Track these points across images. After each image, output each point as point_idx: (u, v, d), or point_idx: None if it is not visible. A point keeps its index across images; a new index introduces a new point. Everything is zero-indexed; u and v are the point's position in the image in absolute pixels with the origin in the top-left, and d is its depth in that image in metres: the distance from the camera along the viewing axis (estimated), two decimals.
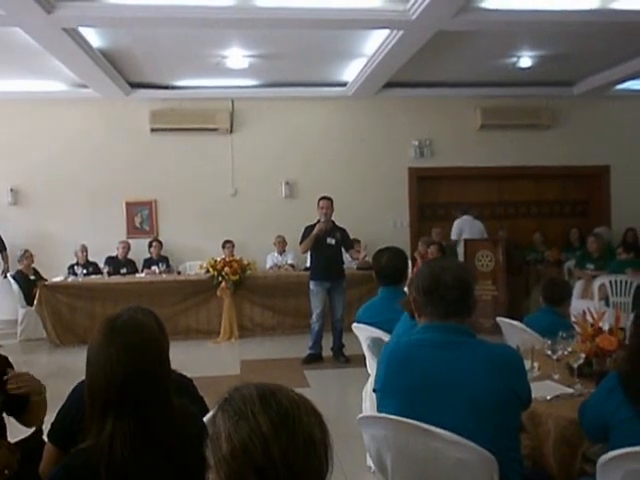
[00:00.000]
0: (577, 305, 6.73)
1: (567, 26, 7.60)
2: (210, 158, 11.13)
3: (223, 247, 10.34)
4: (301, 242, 8.26)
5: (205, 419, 2.20)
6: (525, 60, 9.37)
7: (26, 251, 9.99)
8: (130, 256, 10.61)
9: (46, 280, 9.66)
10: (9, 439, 2.98)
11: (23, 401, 2.86)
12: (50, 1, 6.45)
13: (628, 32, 7.97)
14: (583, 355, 3.47)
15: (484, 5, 6.98)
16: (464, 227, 10.44)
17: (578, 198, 12.40)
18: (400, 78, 10.01)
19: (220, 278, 9.35)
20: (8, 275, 9.90)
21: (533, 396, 2.68)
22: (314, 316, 8.16)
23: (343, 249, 8.31)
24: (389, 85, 10.46)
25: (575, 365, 3.48)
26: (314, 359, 8.11)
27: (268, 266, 10.64)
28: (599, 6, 7.11)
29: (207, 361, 8.01)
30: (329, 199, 8.18)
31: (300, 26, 7.44)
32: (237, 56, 8.82)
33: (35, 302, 9.26)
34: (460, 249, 10.13)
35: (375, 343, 4.42)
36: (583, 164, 11.75)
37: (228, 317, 9.46)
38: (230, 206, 11.14)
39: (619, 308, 8.12)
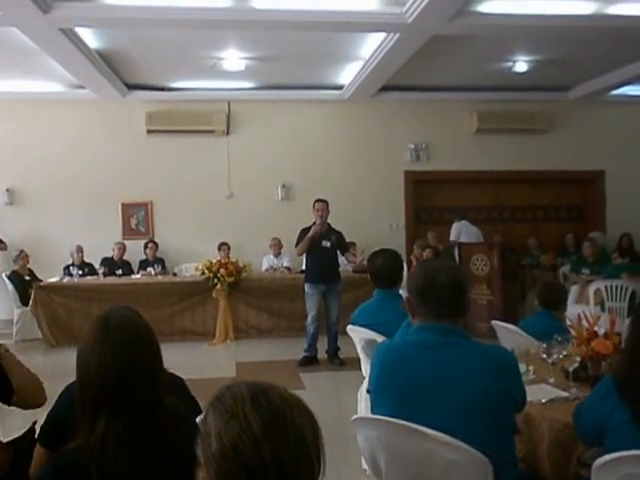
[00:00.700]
0: (572, 310, 6.73)
1: (563, 31, 7.66)
2: (206, 160, 11.15)
3: (219, 249, 10.37)
4: (297, 244, 8.26)
5: (198, 419, 2.25)
6: (521, 65, 9.42)
7: (21, 251, 10.01)
8: (126, 257, 10.63)
9: (41, 281, 9.67)
10: (1, 439, 2.95)
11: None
12: (47, 1, 6.46)
13: (623, 37, 8.03)
14: (578, 359, 3.46)
15: (480, 9, 7.01)
16: (462, 230, 10.51)
17: (573, 203, 12.46)
18: (396, 81, 10.04)
19: (216, 280, 9.34)
20: (3, 275, 9.90)
21: (528, 399, 2.68)
22: (309, 318, 8.17)
23: (339, 252, 8.31)
24: (385, 88, 10.49)
25: (570, 369, 3.44)
26: (309, 361, 8.12)
27: (264, 268, 10.66)
28: (595, 11, 7.16)
29: (202, 363, 8.01)
30: (324, 201, 8.18)
31: (297, 28, 7.46)
32: (234, 58, 8.85)
33: (30, 302, 9.26)
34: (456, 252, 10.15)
35: (370, 345, 4.36)
36: (578, 169, 11.81)
37: (223, 319, 9.47)
38: (226, 208, 11.17)
39: (614, 313, 8.16)
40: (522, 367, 3.22)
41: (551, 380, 3.50)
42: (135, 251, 10.73)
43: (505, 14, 7.09)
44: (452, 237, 10.55)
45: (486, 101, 11.31)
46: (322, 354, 8.26)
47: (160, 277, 10.01)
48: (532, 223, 12.19)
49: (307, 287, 8.21)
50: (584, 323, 3.69)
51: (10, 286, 9.67)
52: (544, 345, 3.66)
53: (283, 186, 11.27)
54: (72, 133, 10.88)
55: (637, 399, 2.44)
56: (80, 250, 10.25)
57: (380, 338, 4.21)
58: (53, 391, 2.94)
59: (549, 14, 7.12)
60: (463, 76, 10.27)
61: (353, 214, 10.57)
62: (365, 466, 4.27)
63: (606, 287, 8.71)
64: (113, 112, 10.86)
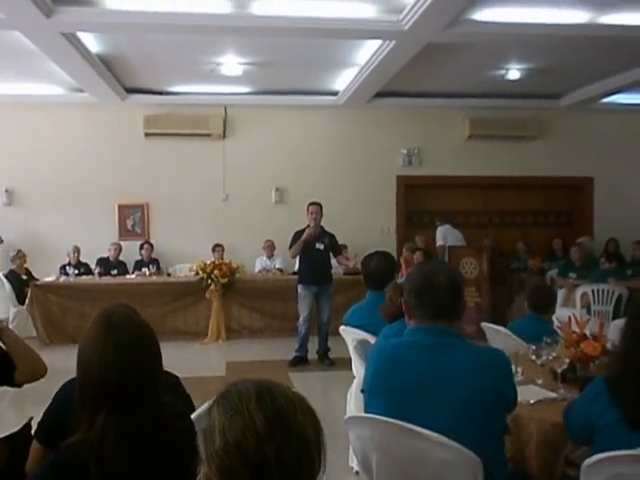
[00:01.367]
0: (560, 313, 6.86)
1: (555, 40, 7.71)
2: (202, 163, 11.23)
3: (213, 250, 10.40)
4: (291, 247, 8.33)
5: (193, 416, 2.29)
6: (513, 72, 9.47)
7: (19, 251, 10.04)
8: (121, 258, 10.68)
9: (38, 280, 9.72)
10: None
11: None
12: (49, 5, 6.50)
13: (614, 47, 8.10)
14: (567, 360, 3.52)
15: (475, 17, 7.05)
16: (447, 234, 10.57)
17: (562, 208, 12.54)
18: (390, 88, 10.11)
19: (209, 280, 9.42)
20: (0, 274, 9.90)
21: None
22: (301, 319, 8.24)
23: (331, 254, 8.39)
24: (379, 94, 10.56)
25: (559, 370, 3.51)
26: (300, 362, 8.20)
27: (257, 270, 10.73)
28: (587, 21, 7.20)
29: (194, 362, 8.01)
30: (318, 204, 8.25)
31: (294, 35, 7.49)
32: (232, 63, 8.90)
33: (27, 301, 9.32)
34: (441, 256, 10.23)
35: (362, 346, 4.42)
36: (568, 175, 11.90)
37: (216, 319, 9.55)
38: (221, 210, 11.24)
39: (603, 315, 8.27)
40: None
41: (539, 381, 3.55)
42: (131, 252, 10.80)
43: (499, 22, 7.13)
44: (440, 241, 10.56)
45: (478, 108, 11.38)
46: (312, 354, 8.32)
47: (155, 277, 10.08)
48: (521, 228, 12.27)
49: (300, 288, 8.29)
50: (574, 325, 3.73)
51: (7, 285, 9.66)
52: (533, 347, 3.72)
53: (277, 189, 11.35)
54: (71, 135, 10.95)
55: (627, 400, 2.48)
56: (77, 250, 10.29)
57: (372, 338, 4.28)
58: (45, 389, 3.01)
59: (542, 23, 7.16)
60: (456, 83, 10.33)
61: (346, 217, 10.62)
62: (352, 464, 4.35)
63: (593, 291, 8.79)
64: (112, 115, 10.92)
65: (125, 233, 11.20)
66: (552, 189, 12.25)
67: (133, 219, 11.22)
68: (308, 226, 8.20)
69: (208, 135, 11.11)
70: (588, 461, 2.39)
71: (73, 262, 10.22)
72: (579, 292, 8.92)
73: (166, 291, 9.70)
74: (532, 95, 11.06)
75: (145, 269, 10.31)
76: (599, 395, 2.59)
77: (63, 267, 10.12)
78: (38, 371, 3.01)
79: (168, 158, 11.16)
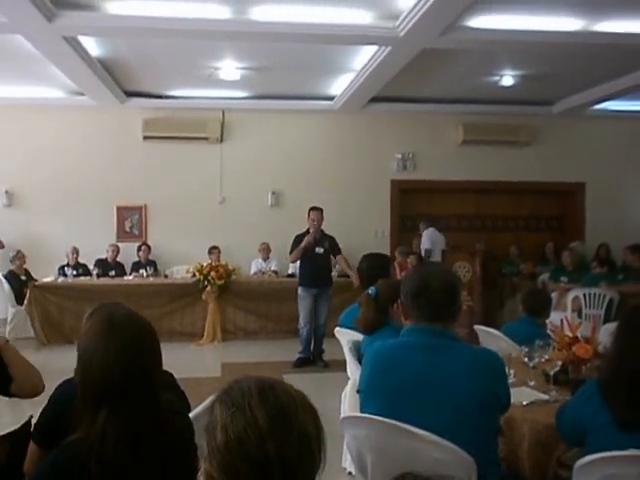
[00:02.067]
0: (551, 316, 6.95)
1: (549, 47, 7.75)
2: (200, 166, 11.30)
3: (210, 252, 10.45)
4: (291, 252, 8.40)
5: (192, 415, 2.36)
6: (507, 79, 9.52)
7: (18, 252, 10.06)
8: (119, 259, 10.73)
9: (36, 280, 9.77)
10: None
11: None
12: (51, 10, 6.52)
13: (607, 54, 8.16)
14: (559, 363, 3.56)
15: (470, 24, 7.09)
16: (434, 238, 10.58)
17: (554, 213, 12.62)
18: (386, 93, 10.16)
19: (206, 282, 9.50)
20: (0, 274, 9.93)
21: None
22: (301, 321, 8.33)
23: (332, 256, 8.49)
24: (375, 100, 10.63)
25: (551, 372, 3.55)
26: (304, 363, 8.27)
27: (252, 272, 10.79)
28: (580, 28, 7.25)
29: (189, 363, 7.94)
30: (319, 210, 8.31)
31: (292, 40, 7.53)
32: (230, 68, 8.93)
33: (25, 302, 9.36)
34: (435, 259, 10.23)
35: (356, 347, 4.46)
36: (560, 180, 11.98)
37: (212, 320, 9.62)
38: (218, 213, 11.30)
39: (595, 319, 8.30)
40: None
41: (532, 383, 3.59)
42: (128, 253, 10.85)
43: (494, 30, 7.14)
44: (427, 245, 10.49)
45: (472, 113, 11.45)
46: None
47: (152, 279, 10.14)
48: (514, 232, 12.31)
49: (300, 290, 8.36)
50: (566, 328, 3.80)
51: (6, 285, 9.65)
52: (526, 349, 3.79)
53: (273, 193, 11.42)
54: (71, 138, 11.02)
55: (619, 402, 2.53)
56: (75, 251, 10.34)
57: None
58: (45, 388, 3.04)
59: (536, 30, 7.19)
60: (451, 89, 10.38)
61: (340, 221, 10.53)
62: (345, 465, 4.41)
63: (584, 295, 8.84)
64: (111, 118, 10.99)
65: (123, 235, 11.25)
66: (544, 194, 12.30)
67: (131, 221, 11.28)
68: (308, 230, 8.29)
69: (206, 139, 11.16)
70: (580, 462, 2.44)
71: (72, 263, 10.27)
72: (570, 296, 8.97)
73: (163, 292, 9.77)
74: (525, 101, 11.13)
75: (142, 270, 10.38)
76: (591, 397, 2.63)
77: (62, 268, 10.18)
78: (35, 389, 2.99)
79: (166, 161, 11.23)
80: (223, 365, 8.20)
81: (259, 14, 6.92)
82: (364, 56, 8.40)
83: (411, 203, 11.90)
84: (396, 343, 2.78)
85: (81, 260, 10.45)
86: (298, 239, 8.33)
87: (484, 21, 7.07)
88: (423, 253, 10.34)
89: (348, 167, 11.56)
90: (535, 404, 3.28)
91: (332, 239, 8.46)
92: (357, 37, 7.40)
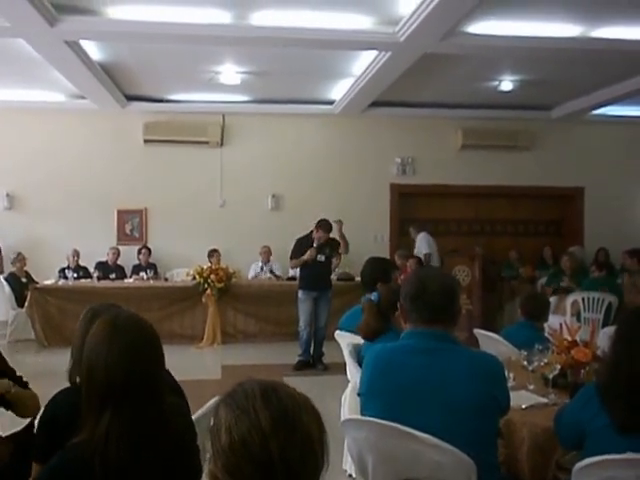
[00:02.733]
0: (550, 320, 6.95)
1: (548, 52, 7.76)
2: (200, 170, 11.32)
3: (210, 256, 10.46)
4: (292, 257, 8.44)
5: (195, 417, 2.37)
6: (506, 84, 9.56)
7: (19, 254, 10.09)
8: (119, 262, 10.76)
9: (37, 283, 9.79)
10: (1, 433, 3.06)
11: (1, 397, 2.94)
12: (53, 14, 6.56)
13: (605, 60, 8.19)
14: (558, 366, 3.58)
15: (470, 30, 7.12)
16: (430, 242, 10.61)
17: (553, 218, 12.62)
18: (385, 98, 10.19)
19: (206, 285, 9.51)
20: (0, 277, 9.96)
21: None
22: (302, 324, 8.34)
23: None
24: (375, 104, 10.66)
25: (550, 376, 3.57)
26: (304, 365, 8.27)
27: (252, 275, 10.82)
28: (579, 34, 7.28)
29: (189, 365, 7.90)
30: (328, 228, 8.29)
31: (292, 45, 7.54)
32: (230, 72, 8.96)
33: (26, 304, 9.38)
34: (434, 263, 10.32)
35: (356, 350, 4.46)
36: (559, 185, 12.02)
37: (212, 323, 9.63)
38: (218, 216, 11.32)
39: (594, 322, 8.35)
40: None
41: (531, 387, 3.59)
42: (129, 256, 10.89)
43: (493, 35, 7.18)
44: (424, 249, 10.50)
45: (471, 118, 11.49)
46: None
47: (152, 282, 10.17)
48: (512, 236, 12.32)
49: (300, 293, 8.38)
50: (565, 332, 3.81)
51: (7, 288, 9.70)
52: (525, 353, 3.80)
53: (273, 196, 11.44)
54: (72, 142, 11.05)
55: (617, 406, 2.54)
56: (76, 254, 10.36)
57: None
58: (42, 390, 3.11)
59: (535, 36, 7.22)
60: (450, 94, 10.41)
61: None
62: (346, 467, 4.40)
63: (583, 299, 8.83)
64: (112, 122, 11.02)
65: (124, 238, 11.27)
66: (543, 199, 12.33)
67: (132, 224, 11.30)
68: (311, 232, 8.32)
69: (206, 142, 11.20)
70: (579, 465, 2.45)
71: (72, 266, 10.31)
72: (569, 300, 8.96)
73: (163, 295, 9.79)
74: (524, 106, 11.15)
75: (143, 273, 10.42)
76: (590, 401, 2.64)
77: (62, 270, 10.21)
78: (31, 414, 3.04)
79: (167, 164, 11.26)
80: (223, 368, 8.22)
81: (259, 19, 6.95)
82: (364, 61, 8.42)
83: (411, 207, 11.90)
84: (396, 346, 2.79)
85: (82, 263, 10.48)
86: (300, 242, 8.38)
87: (484, 27, 7.11)
88: (422, 257, 10.34)
89: (348, 171, 11.58)
90: (534, 407, 3.29)
91: (333, 240, 8.49)
92: (357, 42, 7.42)
